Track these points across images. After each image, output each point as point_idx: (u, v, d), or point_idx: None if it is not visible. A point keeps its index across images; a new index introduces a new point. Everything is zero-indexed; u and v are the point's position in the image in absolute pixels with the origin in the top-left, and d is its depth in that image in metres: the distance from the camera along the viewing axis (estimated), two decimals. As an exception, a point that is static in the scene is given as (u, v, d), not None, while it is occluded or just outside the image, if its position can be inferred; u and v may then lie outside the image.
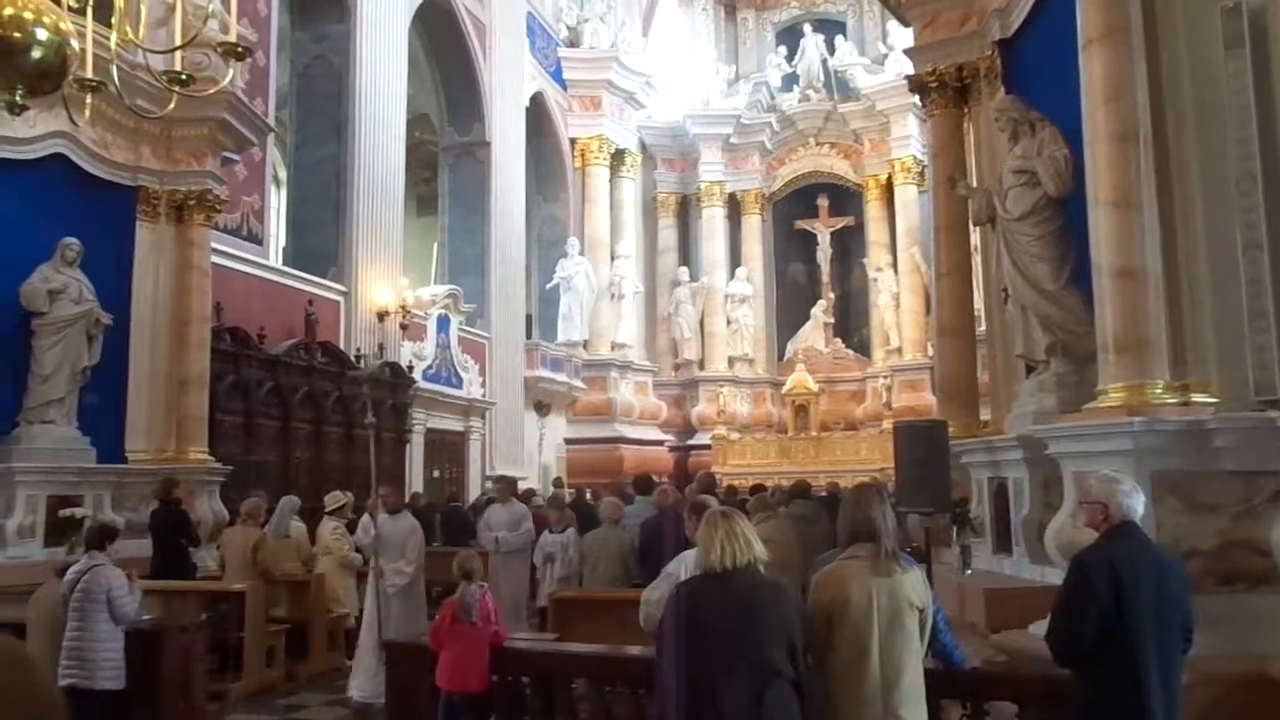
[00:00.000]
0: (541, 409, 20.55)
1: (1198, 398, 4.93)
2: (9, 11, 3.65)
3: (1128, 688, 3.35)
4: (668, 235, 25.16)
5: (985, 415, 9.01)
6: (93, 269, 9.35)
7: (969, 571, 7.31)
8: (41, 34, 3.70)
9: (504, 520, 9.45)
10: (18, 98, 3.86)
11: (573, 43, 22.87)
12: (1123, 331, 5.06)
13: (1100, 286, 5.26)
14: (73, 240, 9.17)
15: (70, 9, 4.11)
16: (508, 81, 19.91)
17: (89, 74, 4.27)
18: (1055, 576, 5.57)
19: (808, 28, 25.33)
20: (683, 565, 4.26)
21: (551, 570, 8.59)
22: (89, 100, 4.52)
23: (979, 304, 9.80)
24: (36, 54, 3.71)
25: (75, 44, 3.90)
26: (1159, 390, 4.94)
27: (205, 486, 10.24)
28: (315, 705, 7.81)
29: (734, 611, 3.26)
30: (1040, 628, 4.85)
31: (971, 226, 8.71)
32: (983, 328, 9.36)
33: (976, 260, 9.63)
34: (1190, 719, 3.58)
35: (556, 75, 22.39)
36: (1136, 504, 3.58)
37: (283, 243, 16.93)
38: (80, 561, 5.92)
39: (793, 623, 3.33)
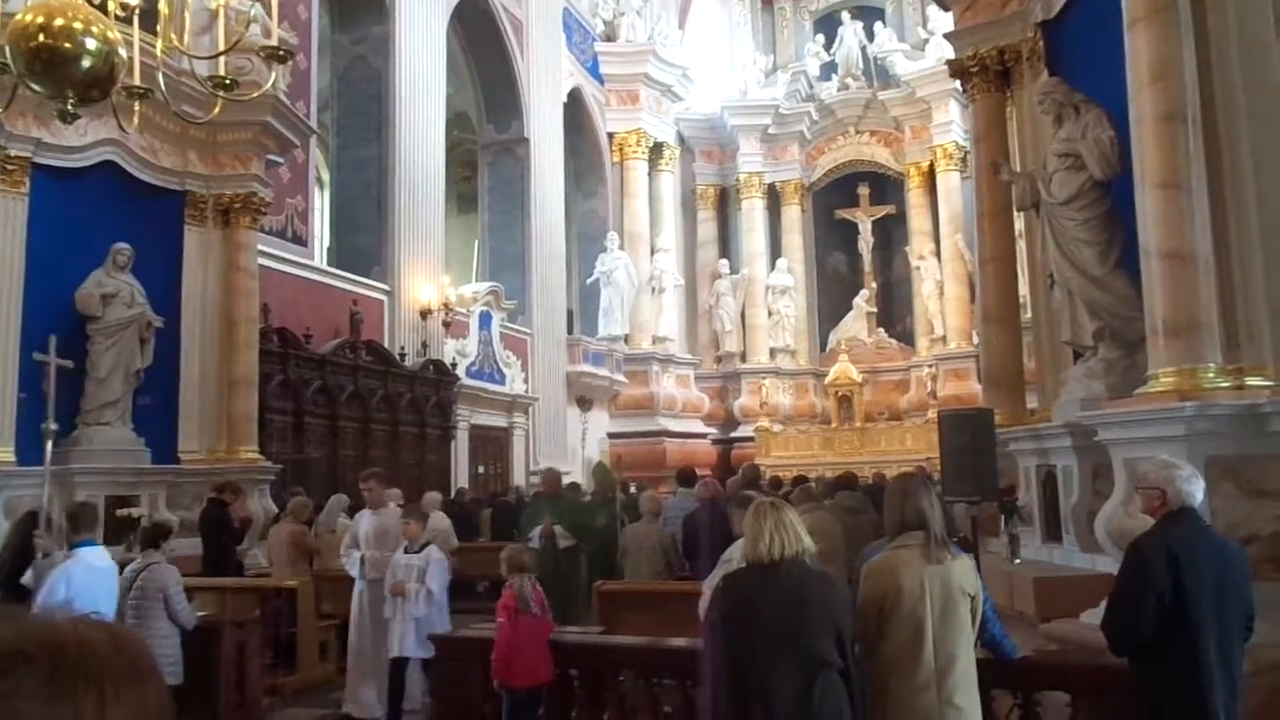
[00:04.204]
0: (584, 404, 20.60)
1: (1252, 381, 4.83)
2: (59, 22, 3.73)
3: (1187, 676, 3.29)
4: (707, 228, 25.12)
5: (1032, 403, 8.90)
6: (143, 273, 9.53)
7: (1018, 560, 7.23)
8: (90, 43, 3.78)
9: (373, 532, 6.99)
10: (69, 106, 3.95)
11: (609, 37, 22.89)
12: (1172, 315, 4.97)
13: (1149, 270, 5.17)
14: (124, 245, 9.35)
15: (117, 18, 4.19)
16: (545, 78, 19.97)
17: (137, 81, 4.35)
18: (1106, 565, 5.51)
19: (846, 15, 25.14)
20: (737, 553, 4.24)
21: (402, 607, 6.26)
22: (137, 107, 4.61)
23: (1024, 290, 9.69)
24: (86, 63, 3.79)
25: (123, 52, 3.97)
26: (1211, 374, 4.85)
27: (256, 485, 10.41)
28: (367, 699, 7.90)
29: (783, 602, 3.25)
30: (1091, 616, 4.79)
31: (1015, 212, 8.61)
32: (1028, 314, 9.25)
33: (1021, 246, 9.51)
34: (1250, 708, 3.51)
35: (593, 70, 22.42)
36: (1196, 490, 3.52)
37: (327, 243, 17.14)
38: (136, 560, 6.06)
39: (841, 613, 3.32)
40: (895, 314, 24.71)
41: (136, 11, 4.24)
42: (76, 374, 9.12)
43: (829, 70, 25.14)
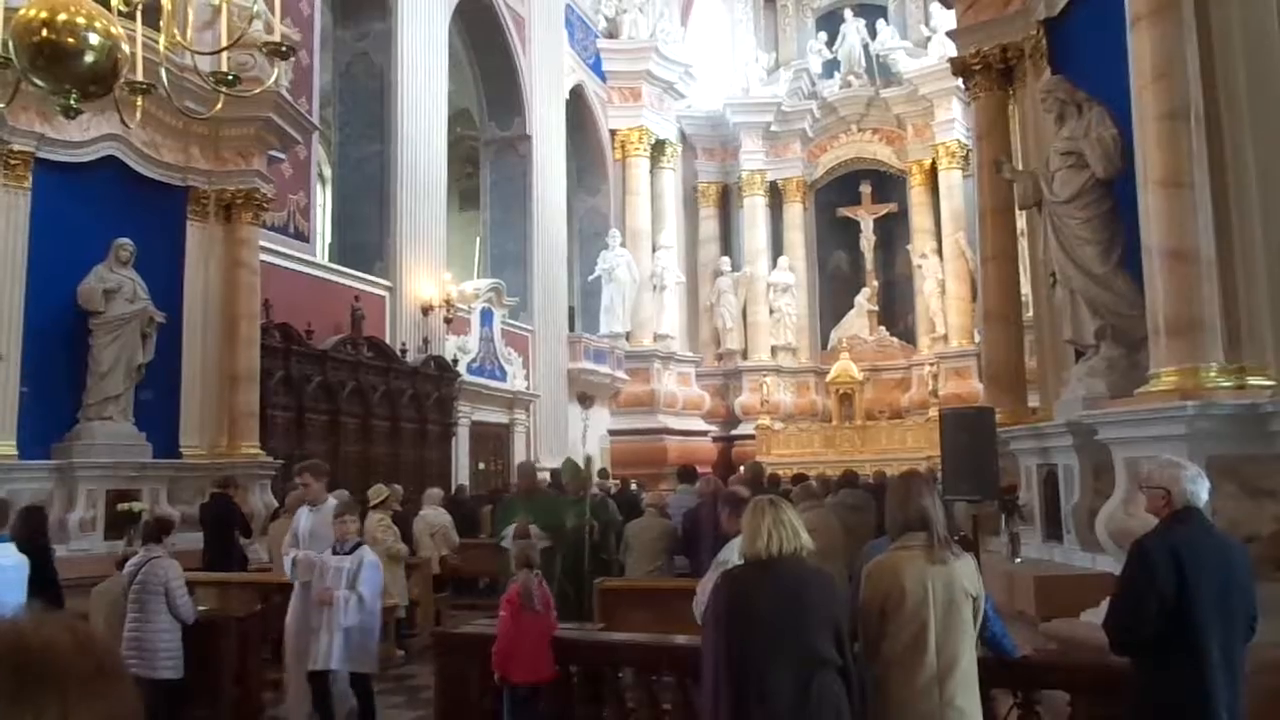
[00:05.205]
0: (585, 401, 20.62)
1: (1254, 380, 4.83)
2: (62, 17, 3.73)
3: (1190, 676, 3.29)
4: (709, 225, 25.10)
5: (1033, 402, 8.88)
6: (145, 268, 9.54)
7: (1018, 559, 7.23)
8: (93, 39, 3.78)
9: (309, 531, 6.35)
10: (72, 101, 3.95)
11: (611, 34, 22.86)
12: (1174, 314, 4.97)
13: (1151, 268, 5.17)
14: (126, 240, 9.36)
15: (120, 13, 4.18)
16: (547, 75, 19.95)
17: (139, 77, 4.34)
18: (1106, 564, 5.51)
19: (848, 13, 25.09)
20: (733, 553, 4.24)
21: (330, 618, 5.69)
22: (139, 103, 4.60)
23: (1026, 289, 9.67)
24: (89, 58, 3.79)
25: (125, 48, 3.97)
26: (1213, 373, 4.85)
27: (257, 481, 10.43)
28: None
29: (781, 600, 3.25)
30: (1092, 615, 4.80)
31: (1017, 210, 8.60)
32: (1030, 313, 9.24)
33: (1023, 244, 9.49)
34: (1252, 708, 3.51)
35: (595, 67, 22.39)
36: (1201, 490, 3.51)
37: (328, 239, 17.14)
38: (138, 554, 6.07)
39: (839, 611, 3.32)
40: (897, 312, 24.68)
41: (139, 7, 4.23)
42: (78, 368, 9.15)
43: (831, 68, 25.10)
